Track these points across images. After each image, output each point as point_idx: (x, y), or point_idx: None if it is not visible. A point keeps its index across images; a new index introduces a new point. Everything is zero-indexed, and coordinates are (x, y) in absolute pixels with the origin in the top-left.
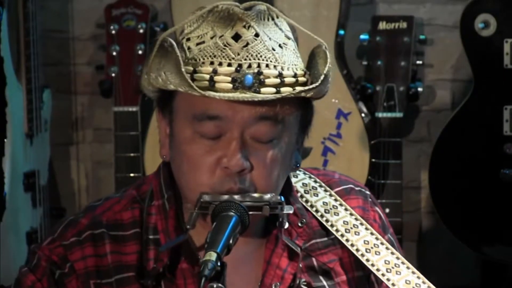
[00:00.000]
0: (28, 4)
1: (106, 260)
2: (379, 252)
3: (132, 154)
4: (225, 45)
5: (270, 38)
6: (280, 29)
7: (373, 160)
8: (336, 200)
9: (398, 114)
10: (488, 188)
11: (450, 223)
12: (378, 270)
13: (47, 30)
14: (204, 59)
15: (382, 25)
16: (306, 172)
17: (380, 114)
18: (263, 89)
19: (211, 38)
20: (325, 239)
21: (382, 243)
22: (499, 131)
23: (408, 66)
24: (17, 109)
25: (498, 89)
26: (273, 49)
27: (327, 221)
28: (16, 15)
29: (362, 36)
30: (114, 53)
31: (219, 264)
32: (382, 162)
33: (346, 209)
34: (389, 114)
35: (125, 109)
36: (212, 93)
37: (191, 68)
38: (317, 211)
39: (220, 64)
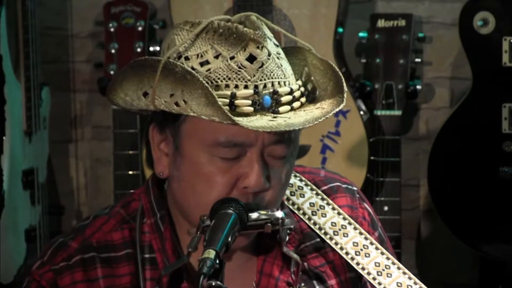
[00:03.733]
0: (26, 2)
1: (97, 285)
2: (368, 254)
3: (130, 152)
4: (240, 67)
5: (273, 53)
6: (269, 38)
7: (372, 158)
8: (323, 199)
9: (397, 112)
10: (487, 186)
11: (448, 221)
12: (368, 273)
13: (45, 28)
14: (218, 82)
15: (381, 23)
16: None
17: (379, 112)
18: (281, 108)
19: (216, 57)
20: (315, 241)
21: (371, 243)
22: (497, 129)
23: (407, 64)
24: (16, 106)
25: (497, 87)
26: (281, 65)
27: (314, 224)
28: (15, 12)
29: (360, 34)
30: (113, 51)
31: (217, 262)
32: (381, 160)
33: (333, 209)
34: (387, 112)
35: None
36: (252, 125)
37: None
38: (304, 213)
39: (236, 86)
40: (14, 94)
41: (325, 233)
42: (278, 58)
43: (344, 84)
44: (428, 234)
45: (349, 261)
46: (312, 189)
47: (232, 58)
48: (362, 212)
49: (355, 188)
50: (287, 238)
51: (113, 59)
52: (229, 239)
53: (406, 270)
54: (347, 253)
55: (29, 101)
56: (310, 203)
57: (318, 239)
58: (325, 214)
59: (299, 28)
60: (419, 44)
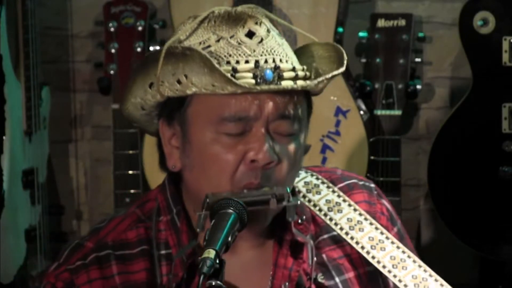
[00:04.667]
0: (26, 2)
1: (113, 282)
2: (384, 248)
3: (130, 152)
4: (239, 43)
5: (275, 33)
6: (269, 20)
7: (372, 157)
8: (339, 196)
9: (397, 112)
10: (487, 186)
11: (448, 221)
12: (384, 267)
13: (45, 28)
14: (218, 59)
15: (381, 23)
16: (308, 171)
17: (378, 112)
18: (283, 83)
19: (217, 41)
20: (332, 234)
21: (387, 238)
22: (498, 128)
23: (406, 64)
24: (16, 106)
25: (497, 86)
26: (282, 44)
27: (330, 219)
28: (15, 12)
29: (360, 34)
30: (113, 51)
31: (217, 261)
32: (380, 159)
33: (349, 205)
34: (387, 112)
35: None
36: (253, 87)
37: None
38: (320, 210)
39: (238, 62)
40: (14, 94)
41: (341, 228)
42: (279, 37)
43: (344, 55)
44: (428, 234)
45: (365, 255)
46: (328, 187)
47: (232, 36)
48: (380, 207)
49: (372, 185)
50: (295, 216)
51: (113, 59)
52: (229, 238)
53: (422, 263)
54: (362, 247)
55: (29, 101)
56: (326, 200)
57: (335, 233)
58: (341, 210)
59: (299, 27)
60: (419, 44)
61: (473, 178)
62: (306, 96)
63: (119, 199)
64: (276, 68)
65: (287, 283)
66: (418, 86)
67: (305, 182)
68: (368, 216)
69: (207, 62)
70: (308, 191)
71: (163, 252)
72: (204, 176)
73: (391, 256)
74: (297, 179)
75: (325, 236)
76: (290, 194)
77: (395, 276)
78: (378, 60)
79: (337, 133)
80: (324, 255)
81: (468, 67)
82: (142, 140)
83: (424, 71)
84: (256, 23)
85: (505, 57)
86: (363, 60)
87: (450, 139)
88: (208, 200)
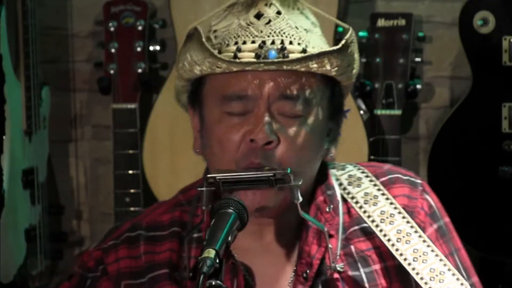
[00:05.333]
0: (26, 2)
1: (140, 261)
2: (409, 241)
3: (130, 151)
4: (248, 24)
5: (294, 21)
6: (307, 17)
7: (372, 157)
8: (379, 189)
9: (397, 112)
10: (487, 186)
11: None
12: (405, 259)
13: (45, 27)
14: (228, 41)
15: (381, 22)
16: (356, 165)
17: (378, 112)
18: (285, 63)
19: (233, 24)
20: (363, 225)
21: (416, 231)
22: (497, 128)
23: (406, 63)
24: (16, 106)
25: (497, 86)
26: (297, 28)
27: (364, 212)
28: (15, 12)
29: (360, 33)
30: (113, 50)
31: (217, 261)
32: (381, 159)
33: (387, 199)
34: (387, 112)
35: (124, 106)
36: (235, 64)
37: (217, 51)
38: (357, 202)
39: (244, 42)
40: (14, 93)
41: (373, 221)
42: (298, 20)
43: (348, 36)
44: None
45: (389, 247)
46: (371, 180)
47: (244, 18)
48: (422, 202)
49: (418, 181)
50: (300, 197)
51: (113, 59)
52: (229, 238)
53: (444, 258)
54: (389, 240)
55: (29, 101)
56: (365, 192)
57: (366, 225)
58: (376, 203)
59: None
60: (419, 44)
61: (473, 178)
62: (326, 80)
63: (119, 198)
64: (283, 49)
65: (307, 271)
66: (418, 86)
67: (349, 175)
68: (402, 210)
69: (200, 41)
70: (350, 183)
71: (195, 235)
72: (212, 156)
73: (414, 249)
74: (341, 172)
75: (356, 227)
76: (291, 175)
77: (413, 268)
78: (378, 59)
79: None
80: (352, 246)
81: (468, 67)
82: (142, 140)
83: (424, 71)
84: (266, 5)
85: (505, 56)
86: (363, 60)
87: (450, 139)
88: (207, 177)
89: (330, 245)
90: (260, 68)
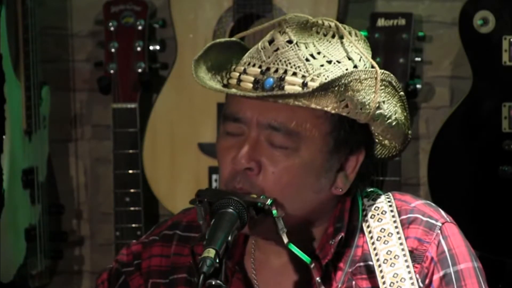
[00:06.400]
0: (26, 1)
1: (169, 261)
2: (400, 287)
3: (130, 151)
4: (262, 48)
5: (318, 51)
6: (345, 49)
7: None
8: (396, 227)
9: None
10: (487, 185)
11: None
12: None
13: (45, 27)
14: (246, 59)
15: (381, 22)
16: (389, 196)
17: None
18: (278, 93)
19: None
20: (368, 263)
21: (411, 278)
22: (498, 128)
23: (406, 63)
24: (16, 106)
25: (497, 86)
26: (307, 60)
27: (374, 249)
28: (15, 12)
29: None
30: (113, 50)
31: (217, 261)
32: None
33: (399, 238)
34: None
35: (124, 106)
36: (218, 87)
37: (233, 67)
38: (371, 237)
39: (254, 65)
40: (14, 93)
41: (378, 260)
42: (309, 52)
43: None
44: None
45: None
46: (393, 216)
47: (263, 41)
48: (432, 248)
49: (439, 224)
50: (283, 227)
51: (113, 58)
52: (229, 238)
53: None
54: (384, 283)
55: (29, 100)
56: (382, 228)
57: (371, 263)
58: (388, 242)
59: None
60: (419, 43)
61: (473, 177)
62: (327, 114)
63: (119, 198)
64: (281, 79)
65: None
66: (418, 86)
67: (376, 207)
68: (407, 253)
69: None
70: (372, 216)
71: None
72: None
73: None
74: (371, 203)
75: (362, 264)
76: (270, 206)
77: None
78: (378, 59)
79: None
80: (354, 282)
81: (468, 67)
82: (142, 140)
83: (424, 71)
84: (279, 32)
85: (505, 56)
86: None
87: (450, 139)
88: (196, 193)
89: (318, 279)
90: (253, 95)
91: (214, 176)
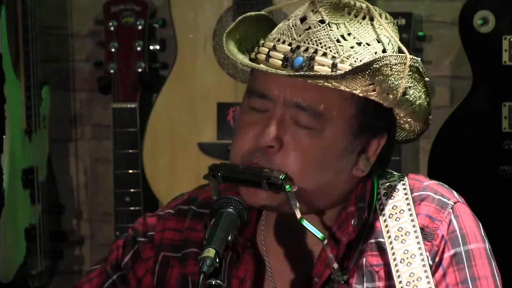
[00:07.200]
0: (26, 1)
1: (182, 235)
2: (410, 264)
3: (130, 151)
4: (293, 25)
5: (348, 33)
6: (375, 31)
7: None
8: (408, 204)
9: None
10: (487, 185)
11: None
12: (400, 282)
13: (45, 27)
14: (275, 35)
15: None
16: (403, 176)
17: None
18: (306, 73)
19: (290, 18)
20: (379, 240)
21: (421, 254)
22: (498, 127)
23: None
24: (16, 105)
25: (497, 85)
26: (338, 41)
27: (386, 226)
28: (15, 11)
29: None
30: (113, 50)
31: (217, 260)
32: None
33: (411, 215)
34: None
35: (124, 105)
36: (251, 63)
37: (262, 42)
38: (383, 215)
39: (284, 42)
40: (14, 93)
41: (389, 236)
42: (340, 33)
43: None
44: None
45: (392, 266)
46: (405, 194)
47: (294, 18)
48: (444, 226)
49: (451, 202)
50: (295, 202)
51: (113, 58)
52: (229, 237)
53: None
54: (395, 259)
55: (29, 100)
56: (393, 205)
57: (383, 240)
58: (399, 219)
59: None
60: (419, 43)
61: (473, 177)
62: (353, 96)
63: (119, 198)
64: (311, 59)
65: (317, 279)
66: None
67: (389, 185)
68: (418, 230)
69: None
70: (385, 194)
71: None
72: (233, 140)
73: (411, 273)
74: (385, 181)
75: (373, 240)
76: (284, 182)
77: None
78: None
79: None
80: (364, 259)
81: (468, 66)
82: (142, 139)
83: None
84: (312, 11)
85: (505, 56)
86: None
87: (450, 138)
88: (209, 168)
89: (331, 256)
90: (285, 73)
91: None
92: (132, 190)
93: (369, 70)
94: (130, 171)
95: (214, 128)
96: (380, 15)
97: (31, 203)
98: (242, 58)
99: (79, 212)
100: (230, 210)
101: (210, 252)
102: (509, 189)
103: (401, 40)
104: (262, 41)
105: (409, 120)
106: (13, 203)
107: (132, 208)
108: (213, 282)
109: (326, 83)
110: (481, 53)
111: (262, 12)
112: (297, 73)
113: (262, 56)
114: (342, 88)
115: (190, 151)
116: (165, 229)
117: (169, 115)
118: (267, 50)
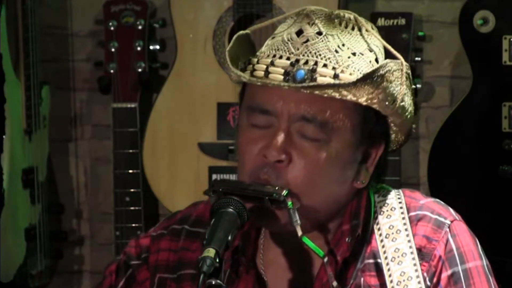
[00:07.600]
0: (26, 1)
1: (176, 256)
2: (407, 286)
3: (130, 151)
4: (288, 40)
5: (343, 43)
6: (366, 41)
7: None
8: (405, 224)
9: None
10: (487, 185)
11: None
12: None
13: (45, 27)
14: (269, 52)
15: (381, 22)
16: (399, 193)
17: None
18: (310, 85)
19: (281, 35)
20: (377, 260)
21: (417, 277)
22: (497, 127)
23: (406, 63)
24: (16, 105)
25: (497, 85)
26: (336, 51)
27: (383, 246)
28: (15, 11)
29: None
30: (113, 50)
31: (217, 260)
32: None
33: (407, 235)
34: None
35: (124, 105)
36: (252, 79)
37: (255, 60)
38: (380, 234)
39: (281, 57)
40: (14, 92)
41: (386, 257)
42: (354, 54)
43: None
44: None
45: None
46: (402, 213)
47: (288, 32)
48: (441, 246)
49: (447, 221)
50: (297, 219)
51: (113, 58)
52: (229, 237)
53: None
54: (391, 281)
55: (29, 100)
56: (390, 225)
57: (380, 260)
58: (396, 239)
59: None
60: (419, 43)
61: (473, 177)
62: (357, 106)
63: (119, 198)
64: (312, 71)
65: None
66: (418, 85)
67: (386, 203)
68: (415, 251)
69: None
70: (382, 213)
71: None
72: (238, 161)
73: None
74: (381, 199)
75: (371, 260)
76: (285, 197)
77: None
78: None
79: None
80: (362, 278)
81: (468, 66)
82: (142, 139)
83: (424, 70)
84: (308, 23)
85: (505, 56)
86: None
87: (450, 138)
88: (212, 184)
89: (330, 273)
90: (284, 87)
91: (214, 176)
92: (132, 190)
93: (375, 77)
94: (130, 171)
95: (214, 128)
96: (367, 24)
97: (31, 203)
98: (250, 77)
99: (79, 212)
100: (230, 210)
101: (210, 252)
102: (509, 189)
103: (401, 40)
104: (255, 59)
105: (395, 129)
106: (13, 203)
107: (132, 208)
108: (213, 282)
109: (334, 93)
110: (481, 53)
111: (247, 31)
112: (310, 84)
113: (260, 73)
114: (349, 97)
115: (190, 151)
116: (159, 250)
117: (169, 115)
118: (264, 66)
